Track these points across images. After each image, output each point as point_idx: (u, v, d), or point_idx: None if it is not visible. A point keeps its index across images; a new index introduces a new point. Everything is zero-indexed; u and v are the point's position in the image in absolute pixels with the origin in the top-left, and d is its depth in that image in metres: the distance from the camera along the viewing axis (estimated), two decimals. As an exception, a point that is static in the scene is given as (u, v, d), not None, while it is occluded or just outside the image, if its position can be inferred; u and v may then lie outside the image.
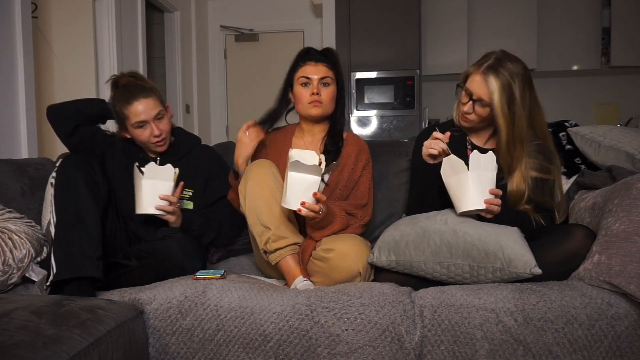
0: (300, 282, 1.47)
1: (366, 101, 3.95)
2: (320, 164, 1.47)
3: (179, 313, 1.30)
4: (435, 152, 1.45)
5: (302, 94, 1.71)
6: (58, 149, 2.29)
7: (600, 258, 1.28)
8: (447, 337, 1.23)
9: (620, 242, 1.25)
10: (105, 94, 3.05)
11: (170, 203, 1.61)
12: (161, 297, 1.33)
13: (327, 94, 1.70)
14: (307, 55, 1.75)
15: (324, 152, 1.72)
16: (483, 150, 1.56)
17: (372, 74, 3.94)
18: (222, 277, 1.45)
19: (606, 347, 1.19)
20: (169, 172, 1.63)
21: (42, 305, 1.11)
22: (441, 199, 1.52)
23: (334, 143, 1.74)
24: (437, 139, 1.45)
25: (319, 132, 1.78)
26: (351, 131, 1.86)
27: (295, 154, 1.48)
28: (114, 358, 1.09)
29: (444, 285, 1.38)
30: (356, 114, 3.97)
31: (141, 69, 3.39)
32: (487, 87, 1.46)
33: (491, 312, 1.23)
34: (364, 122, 3.98)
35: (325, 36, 3.98)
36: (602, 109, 4.44)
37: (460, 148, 1.61)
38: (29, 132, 2.32)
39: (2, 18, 2.16)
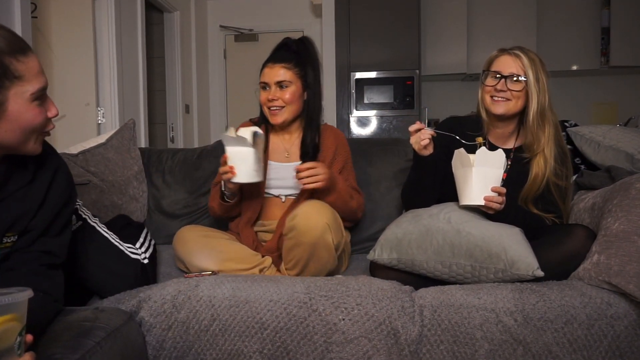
0: None
1: (366, 101, 3.95)
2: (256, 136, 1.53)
3: (174, 307, 1.30)
4: (427, 141, 1.48)
5: (262, 98, 1.71)
6: (57, 148, 2.28)
7: (599, 258, 1.28)
8: (446, 337, 1.23)
9: (619, 242, 1.25)
10: (105, 94, 3.06)
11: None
12: (155, 295, 1.33)
13: (285, 96, 1.66)
14: (270, 56, 1.72)
15: (301, 153, 1.71)
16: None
17: (372, 74, 3.94)
18: (214, 273, 1.50)
19: (606, 346, 1.19)
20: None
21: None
22: (432, 190, 1.58)
23: (314, 138, 1.71)
24: (418, 129, 1.50)
25: (295, 130, 1.77)
26: (327, 123, 1.84)
27: (239, 132, 1.54)
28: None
29: (443, 285, 1.38)
30: (356, 114, 3.97)
31: (141, 69, 3.39)
32: (519, 61, 1.54)
33: (491, 312, 1.23)
34: (364, 122, 3.98)
35: (324, 36, 3.98)
36: (602, 109, 4.44)
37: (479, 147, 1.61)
38: (28, 132, 2.32)
39: (2, 18, 2.16)
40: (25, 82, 0.92)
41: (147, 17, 3.67)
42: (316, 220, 1.45)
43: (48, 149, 1.11)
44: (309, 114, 1.72)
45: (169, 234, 1.98)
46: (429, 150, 1.51)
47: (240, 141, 1.49)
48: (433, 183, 1.58)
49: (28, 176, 1.05)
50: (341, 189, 1.61)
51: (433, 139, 1.50)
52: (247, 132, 1.53)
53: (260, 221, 1.74)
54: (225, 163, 1.54)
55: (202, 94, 4.58)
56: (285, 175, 1.71)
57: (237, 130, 1.59)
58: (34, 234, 1.06)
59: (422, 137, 1.48)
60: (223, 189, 1.66)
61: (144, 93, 3.43)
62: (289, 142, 1.76)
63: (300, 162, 1.69)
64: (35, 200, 1.05)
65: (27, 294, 0.80)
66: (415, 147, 1.51)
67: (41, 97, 0.96)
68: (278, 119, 1.68)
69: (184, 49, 4.18)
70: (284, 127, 1.75)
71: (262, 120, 1.78)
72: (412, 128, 1.51)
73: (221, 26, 4.78)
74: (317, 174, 1.52)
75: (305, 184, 1.52)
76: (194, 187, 2.03)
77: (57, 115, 1.00)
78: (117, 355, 1.09)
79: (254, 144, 1.50)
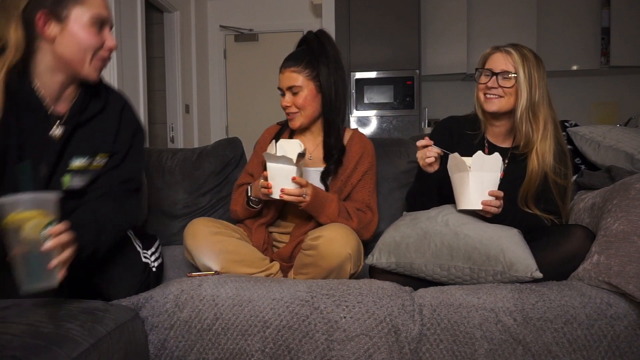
0: None
1: (366, 101, 3.95)
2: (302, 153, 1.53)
3: (176, 306, 1.30)
4: (432, 159, 1.45)
5: (281, 104, 1.68)
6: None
7: (599, 258, 1.28)
8: (446, 336, 1.23)
9: (619, 242, 1.25)
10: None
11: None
12: (158, 294, 1.33)
13: (298, 101, 1.63)
14: (284, 60, 1.66)
15: (324, 155, 1.68)
16: (499, 149, 1.60)
17: (372, 74, 3.94)
18: (217, 273, 1.49)
19: (605, 346, 1.19)
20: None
21: (39, 308, 1.10)
22: (438, 201, 1.55)
23: (336, 140, 1.67)
24: (425, 146, 1.47)
25: (317, 131, 1.73)
26: (357, 129, 1.81)
27: (279, 145, 1.54)
28: (114, 359, 1.08)
29: (443, 285, 1.38)
30: (356, 114, 3.98)
31: (141, 69, 3.39)
32: (510, 58, 1.54)
33: (490, 312, 1.23)
34: (364, 122, 3.98)
35: (324, 36, 3.98)
36: (602, 109, 4.45)
37: (477, 147, 1.61)
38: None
39: (2, 18, 2.16)
40: (86, 8, 1.17)
41: (147, 17, 3.67)
42: (339, 249, 1.41)
43: (114, 90, 1.33)
44: (325, 115, 1.67)
45: (169, 234, 1.98)
46: (434, 168, 1.47)
47: (283, 159, 1.47)
48: (437, 196, 1.57)
49: (100, 104, 1.27)
50: (330, 213, 1.56)
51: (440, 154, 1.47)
52: (289, 146, 1.51)
53: (278, 220, 1.72)
54: (266, 178, 1.51)
55: (202, 94, 4.58)
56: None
57: (277, 141, 1.56)
58: (118, 157, 1.28)
59: (427, 155, 1.45)
60: (250, 194, 1.63)
61: (144, 93, 3.43)
62: (313, 145, 1.72)
63: (324, 166, 1.66)
64: (112, 125, 1.27)
65: (54, 195, 1.00)
66: (420, 162, 1.48)
67: (100, 24, 1.20)
68: (295, 124, 1.67)
69: (184, 49, 4.19)
70: (305, 129, 1.73)
71: (287, 124, 1.76)
72: (419, 143, 1.48)
73: (221, 26, 4.78)
74: (304, 194, 1.50)
75: (286, 198, 1.48)
76: (194, 187, 2.03)
77: (114, 47, 1.24)
78: (121, 349, 1.11)
79: (297, 162, 1.48)
